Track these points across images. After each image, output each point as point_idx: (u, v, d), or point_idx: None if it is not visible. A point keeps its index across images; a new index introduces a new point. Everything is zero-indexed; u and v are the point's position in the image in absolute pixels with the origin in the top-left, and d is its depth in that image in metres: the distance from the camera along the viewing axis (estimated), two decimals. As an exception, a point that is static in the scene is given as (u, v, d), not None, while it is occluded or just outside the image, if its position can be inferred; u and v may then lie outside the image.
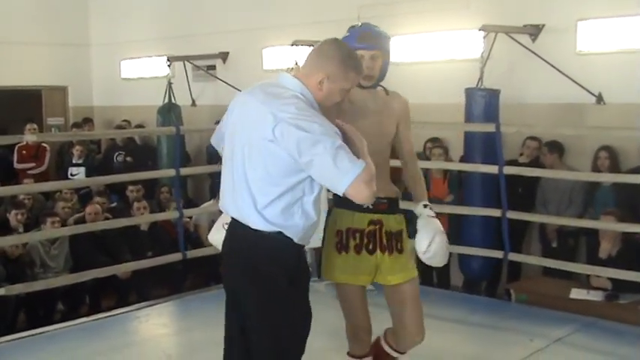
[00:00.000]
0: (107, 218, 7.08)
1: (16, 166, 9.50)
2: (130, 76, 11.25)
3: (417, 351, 4.78)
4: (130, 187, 8.04)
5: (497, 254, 5.98)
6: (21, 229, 6.85)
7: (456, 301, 6.00)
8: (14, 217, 6.95)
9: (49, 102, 11.66)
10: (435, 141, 7.28)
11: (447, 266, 6.59)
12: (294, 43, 7.67)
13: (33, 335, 5.09)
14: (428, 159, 7.22)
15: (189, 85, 9.91)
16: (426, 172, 6.85)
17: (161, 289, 7.01)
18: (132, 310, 5.67)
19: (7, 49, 10.72)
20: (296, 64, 7.75)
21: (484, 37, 6.50)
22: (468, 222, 6.38)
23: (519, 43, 6.75)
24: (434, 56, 7.67)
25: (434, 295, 6.14)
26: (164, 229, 7.44)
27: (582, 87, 6.47)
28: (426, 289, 6.57)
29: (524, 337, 4.90)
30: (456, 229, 6.53)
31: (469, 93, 6.37)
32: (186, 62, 9.79)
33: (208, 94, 9.77)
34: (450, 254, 6.21)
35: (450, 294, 6.18)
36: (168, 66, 9.67)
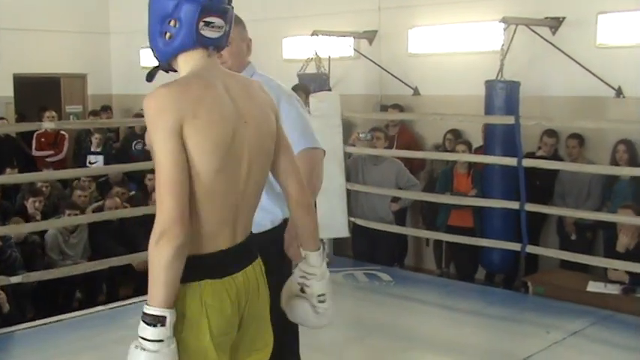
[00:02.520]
0: (125, 207, 7.10)
1: (35, 153, 9.55)
2: (149, 64, 11.25)
3: (434, 342, 4.81)
4: (149, 176, 8.04)
5: (515, 247, 5.96)
6: (38, 217, 6.89)
7: (474, 293, 6.00)
8: (32, 204, 6.98)
9: (68, 90, 11.71)
10: (455, 132, 7.26)
11: (472, 258, 6.60)
12: (314, 33, 7.65)
13: (51, 323, 5.13)
14: (447, 150, 7.20)
15: (207, 74, 9.91)
16: (450, 167, 6.85)
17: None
18: (149, 299, 5.69)
19: (28, 36, 10.78)
20: (316, 54, 7.73)
21: (504, 29, 6.45)
22: (488, 214, 6.36)
23: (540, 35, 6.70)
24: (454, 48, 7.62)
25: (451, 286, 6.15)
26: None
27: (602, 80, 6.42)
28: (444, 281, 6.62)
29: (541, 330, 4.91)
30: (477, 222, 6.53)
31: (489, 85, 6.33)
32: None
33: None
34: (472, 247, 6.29)
35: (467, 286, 6.17)
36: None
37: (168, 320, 1.93)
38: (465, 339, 4.87)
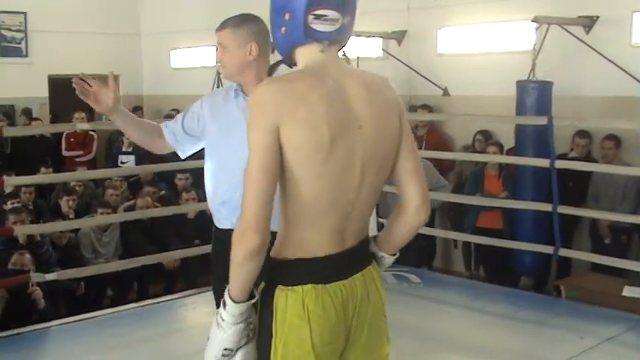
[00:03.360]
0: (156, 207, 7.16)
1: (65, 153, 9.65)
2: (180, 65, 11.35)
3: (463, 345, 4.77)
4: (179, 176, 8.11)
5: (547, 250, 5.90)
6: (72, 215, 6.98)
7: (504, 296, 5.94)
8: (65, 203, 7.10)
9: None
10: (485, 133, 7.21)
11: (502, 261, 6.54)
12: (344, 34, 7.64)
13: (83, 320, 5.18)
14: (476, 151, 7.15)
15: (237, 75, 9.96)
16: (481, 168, 6.80)
17: (207, 277, 7.07)
18: (179, 298, 5.74)
19: (62, 38, 10.93)
20: (344, 54, 7.71)
21: (536, 29, 6.40)
22: (518, 217, 6.31)
23: (573, 34, 6.63)
24: (484, 48, 7.57)
25: (481, 289, 6.10)
26: (210, 217, 7.49)
27: (637, 80, 6.33)
28: (473, 283, 6.57)
29: (574, 335, 4.82)
30: (508, 224, 6.47)
31: (521, 85, 6.28)
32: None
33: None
34: (503, 249, 6.23)
35: (497, 289, 6.11)
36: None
37: (237, 311, 1.91)
38: (494, 343, 4.82)
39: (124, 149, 9.45)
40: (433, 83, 7.83)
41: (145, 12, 12.02)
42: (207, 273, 7.00)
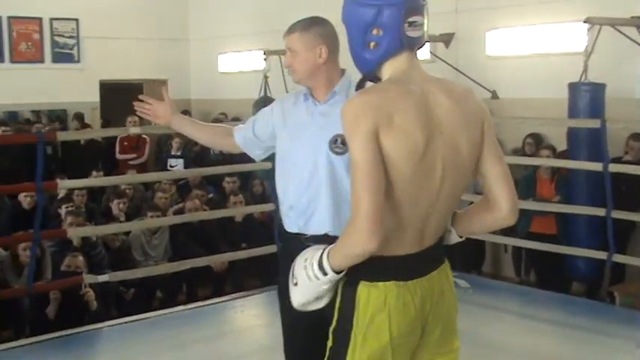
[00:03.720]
0: (204, 210, 7.23)
1: (118, 156, 9.82)
2: (227, 69, 11.44)
3: (514, 351, 4.71)
4: (227, 179, 8.17)
5: (601, 255, 5.79)
6: (122, 218, 7.08)
7: (555, 302, 5.84)
8: (116, 206, 7.20)
9: (149, 95, 11.75)
10: (535, 137, 7.11)
11: (555, 266, 6.44)
12: (391, 37, 7.62)
13: (134, 321, 5.25)
14: (526, 154, 7.06)
15: (284, 79, 9.98)
16: (533, 172, 6.71)
17: (254, 280, 7.12)
18: (227, 300, 5.78)
19: (112, 44, 11.13)
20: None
21: (588, 30, 6.29)
22: (572, 221, 6.20)
23: (626, 35, 6.50)
24: (534, 50, 7.47)
25: (532, 295, 6.02)
26: (257, 221, 7.55)
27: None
28: (524, 289, 6.47)
29: (629, 344, 4.71)
30: (561, 229, 6.37)
31: (573, 87, 6.18)
32: (282, 56, 9.86)
33: (303, 88, 9.82)
34: (555, 254, 6.13)
35: (548, 294, 6.01)
36: (265, 60, 9.77)
37: (328, 278, 2.03)
38: (546, 350, 4.73)
39: (173, 153, 9.58)
40: (482, 86, 7.75)
41: (194, 17, 12.17)
42: (254, 276, 7.13)
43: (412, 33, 2.05)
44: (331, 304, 2.14)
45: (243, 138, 3.02)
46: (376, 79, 2.16)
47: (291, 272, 2.13)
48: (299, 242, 2.65)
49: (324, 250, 2.04)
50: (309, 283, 2.06)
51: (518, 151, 7.33)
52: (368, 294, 2.04)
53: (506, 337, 5.01)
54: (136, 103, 3.14)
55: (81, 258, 5.67)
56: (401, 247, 2.06)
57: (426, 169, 2.01)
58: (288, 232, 2.87)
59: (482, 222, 2.25)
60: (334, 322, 2.13)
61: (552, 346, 4.81)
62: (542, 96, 7.08)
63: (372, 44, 2.07)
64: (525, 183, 6.73)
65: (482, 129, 2.13)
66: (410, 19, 2.03)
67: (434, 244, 2.14)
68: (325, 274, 2.02)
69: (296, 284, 2.10)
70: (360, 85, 2.27)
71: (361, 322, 2.05)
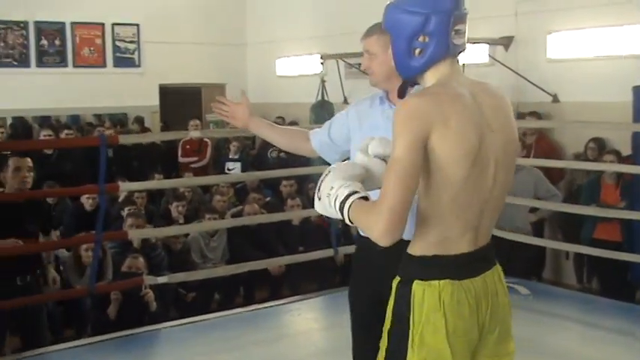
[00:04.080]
0: (262, 213, 7.27)
1: (181, 160, 9.97)
2: (285, 73, 11.51)
3: (572, 359, 4.61)
4: (284, 183, 8.22)
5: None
6: (181, 221, 7.17)
7: (619, 310, 5.68)
8: (175, 208, 7.29)
9: (208, 99, 12.12)
10: (598, 141, 6.96)
11: (619, 274, 6.29)
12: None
13: (192, 323, 5.30)
14: (588, 159, 6.92)
15: (341, 83, 10.02)
16: (597, 177, 6.58)
17: (312, 283, 7.13)
18: (285, 304, 5.80)
19: (171, 49, 11.31)
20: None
21: (653, 32, 6.15)
22: (638, 228, 6.05)
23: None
24: (596, 52, 7.32)
25: (594, 303, 5.88)
26: (314, 224, 7.56)
27: None
28: (586, 297, 6.34)
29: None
30: (626, 236, 6.23)
31: (637, 91, 6.04)
32: (339, 60, 9.90)
33: (360, 92, 9.80)
34: (620, 262, 5.98)
35: (612, 303, 5.86)
36: (322, 64, 9.81)
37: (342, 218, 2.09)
38: (609, 359, 4.64)
39: (230, 156, 9.67)
40: (542, 89, 7.64)
41: (252, 22, 12.28)
42: (311, 279, 7.14)
43: (457, 40, 2.12)
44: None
45: (320, 142, 3.03)
46: (416, 84, 2.24)
47: (318, 185, 2.17)
48: (375, 246, 2.66)
49: (349, 195, 2.06)
50: (327, 209, 2.14)
51: (581, 156, 7.19)
52: (423, 292, 2.08)
53: (566, 345, 4.91)
54: (213, 104, 3.21)
55: (141, 259, 5.76)
56: (455, 247, 2.10)
57: (480, 169, 2.07)
58: (362, 237, 2.86)
59: None
60: (388, 323, 2.16)
61: (615, 355, 4.69)
62: (605, 99, 6.93)
63: (417, 51, 2.12)
64: (589, 189, 6.59)
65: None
66: (456, 28, 2.09)
67: (487, 244, 2.19)
68: (342, 215, 2.07)
69: (319, 199, 2.16)
70: (401, 90, 2.35)
71: (417, 321, 2.08)
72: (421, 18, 2.08)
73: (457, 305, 2.08)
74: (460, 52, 2.17)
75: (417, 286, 2.09)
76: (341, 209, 2.07)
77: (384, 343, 2.18)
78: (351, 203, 2.05)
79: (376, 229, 1.98)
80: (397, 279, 2.16)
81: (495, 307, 2.16)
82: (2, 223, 4.64)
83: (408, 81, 2.26)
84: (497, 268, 2.23)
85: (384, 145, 2.22)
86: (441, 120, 2.00)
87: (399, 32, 2.13)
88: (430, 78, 2.16)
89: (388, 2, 2.20)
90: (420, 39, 2.10)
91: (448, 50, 2.11)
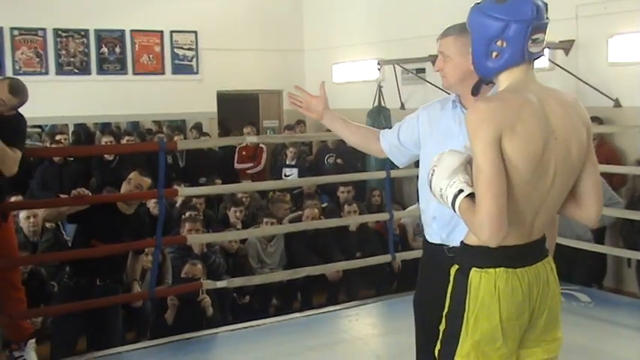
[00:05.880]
0: (320, 219, 7.30)
1: (236, 166, 10.08)
2: (342, 79, 11.53)
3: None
4: (341, 189, 8.24)
5: None
6: (239, 226, 7.25)
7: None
8: (233, 214, 7.38)
9: (265, 105, 12.27)
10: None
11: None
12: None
13: (249, 327, 5.36)
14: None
15: (398, 88, 9.99)
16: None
17: (369, 289, 7.13)
18: (342, 309, 5.81)
19: (229, 55, 11.43)
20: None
21: None
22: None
23: None
24: (658, 56, 7.16)
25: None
26: (372, 230, 7.57)
27: None
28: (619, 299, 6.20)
29: None
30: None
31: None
32: (396, 65, 9.88)
33: (417, 97, 9.80)
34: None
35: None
36: (379, 69, 9.81)
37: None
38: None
39: (287, 162, 9.73)
40: (603, 94, 7.50)
41: (308, 28, 12.33)
42: (369, 285, 7.14)
43: (534, 49, 2.23)
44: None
45: (389, 145, 3.04)
46: (491, 82, 2.39)
47: (435, 165, 2.30)
48: (443, 253, 2.66)
49: (456, 197, 2.21)
50: (438, 198, 2.31)
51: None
52: (479, 279, 2.25)
53: (626, 354, 4.83)
54: (289, 94, 3.26)
55: (200, 266, 5.83)
56: (511, 238, 2.23)
57: (541, 171, 2.20)
58: (430, 243, 2.86)
59: (569, 213, 2.43)
60: (447, 308, 2.33)
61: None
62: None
63: (494, 54, 2.24)
64: (649, 195, 6.46)
65: (588, 136, 2.33)
66: (534, 37, 2.20)
67: (540, 238, 2.34)
68: (452, 204, 2.23)
69: (431, 181, 2.31)
70: (475, 88, 2.49)
71: (472, 305, 2.25)
72: (502, 24, 2.19)
73: (511, 291, 2.23)
74: (536, 58, 2.27)
75: (475, 273, 2.26)
76: (453, 202, 2.22)
77: (442, 327, 2.34)
78: (459, 205, 2.20)
79: (481, 235, 2.15)
80: (455, 267, 2.33)
81: (545, 294, 2.30)
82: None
83: (483, 80, 2.38)
84: (550, 260, 2.38)
85: None
86: (509, 124, 2.13)
87: (479, 34, 2.25)
88: (504, 80, 2.28)
89: (474, 3, 2.29)
90: (499, 43, 2.21)
91: (523, 57, 2.22)
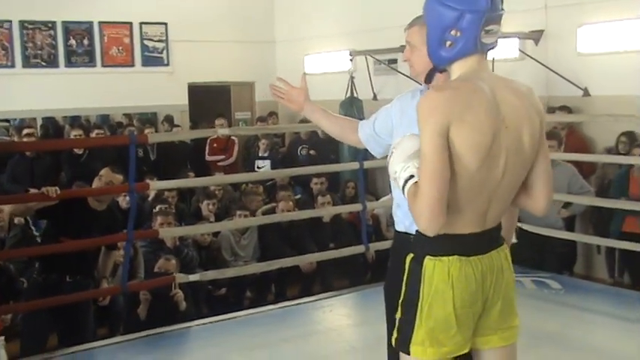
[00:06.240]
0: (293, 211, 7.29)
1: (208, 158, 10.02)
2: (314, 71, 11.52)
3: (608, 354, 4.58)
4: (315, 180, 8.23)
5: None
6: (212, 219, 7.22)
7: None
8: (206, 206, 7.34)
9: (237, 97, 12.22)
10: (630, 135, 6.88)
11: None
12: (478, 35, 7.51)
13: (223, 320, 5.34)
14: (620, 153, 6.85)
15: (370, 79, 10.00)
16: (626, 171, 6.51)
17: (343, 280, 7.14)
18: (316, 300, 5.82)
19: (200, 47, 11.35)
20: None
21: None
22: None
23: None
24: (628, 46, 7.21)
25: (626, 296, 5.83)
26: (346, 221, 7.58)
27: None
28: (618, 290, 6.26)
29: None
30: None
31: (669, 83, 5.96)
32: (368, 56, 9.88)
33: (389, 88, 9.81)
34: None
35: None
36: (351, 60, 9.80)
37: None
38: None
39: (260, 154, 9.71)
40: (573, 83, 7.56)
41: (280, 19, 12.29)
42: (343, 276, 7.16)
43: (487, 40, 2.24)
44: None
45: (366, 135, 3.05)
46: (444, 71, 2.39)
47: (394, 148, 2.33)
48: (408, 241, 2.67)
49: (411, 178, 2.22)
50: (393, 181, 2.36)
51: (612, 150, 7.12)
52: (433, 267, 2.26)
53: (599, 340, 4.89)
54: (271, 85, 3.27)
55: (173, 262, 5.79)
56: (464, 227, 2.27)
57: (491, 161, 2.21)
58: (397, 232, 2.90)
59: (520, 203, 2.44)
60: (402, 295, 2.34)
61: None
62: (636, 93, 6.84)
63: (448, 43, 2.25)
64: (618, 182, 6.54)
65: (541, 126, 2.33)
66: (487, 28, 2.21)
67: (495, 227, 2.35)
68: (402, 189, 2.25)
69: (388, 164, 2.35)
70: (429, 76, 2.54)
71: (427, 293, 2.26)
72: (456, 13, 2.20)
73: (465, 279, 2.26)
74: (489, 49, 2.28)
75: (428, 261, 2.28)
76: (403, 186, 2.24)
77: (398, 315, 2.36)
78: (408, 190, 2.22)
79: (419, 223, 2.18)
80: (410, 255, 2.35)
81: (499, 283, 2.33)
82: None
83: (436, 68, 2.39)
84: (504, 248, 2.40)
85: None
86: (458, 114, 2.13)
87: (434, 23, 2.27)
88: (457, 70, 2.29)
89: None
90: (452, 32, 2.22)
91: (476, 47, 2.23)
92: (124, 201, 6.63)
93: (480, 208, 2.27)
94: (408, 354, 2.31)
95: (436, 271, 2.26)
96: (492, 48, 2.28)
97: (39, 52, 10.49)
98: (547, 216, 6.30)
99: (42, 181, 5.79)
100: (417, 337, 2.28)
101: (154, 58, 11.37)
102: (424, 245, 2.30)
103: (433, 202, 2.12)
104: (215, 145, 10.01)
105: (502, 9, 2.25)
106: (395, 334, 2.36)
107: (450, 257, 2.26)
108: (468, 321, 2.29)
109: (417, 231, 2.32)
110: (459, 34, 2.21)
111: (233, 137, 9.94)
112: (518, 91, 2.30)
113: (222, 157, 9.95)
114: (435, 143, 2.12)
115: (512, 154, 2.24)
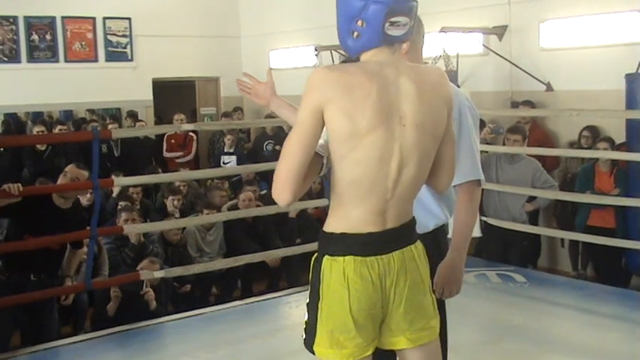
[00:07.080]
0: (258, 206, 7.27)
1: (166, 154, 9.85)
2: (279, 66, 11.48)
3: (572, 346, 4.64)
4: (280, 175, 8.20)
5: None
6: (177, 215, 7.17)
7: (614, 296, 5.68)
8: (171, 202, 7.29)
9: (202, 92, 12.14)
10: (592, 129, 6.97)
11: (613, 260, 6.32)
12: (443, 30, 7.55)
13: (190, 317, 5.32)
14: (582, 147, 6.94)
15: (335, 75, 9.98)
16: (592, 165, 6.60)
17: (309, 275, 7.13)
18: (282, 296, 5.81)
19: (165, 42, 11.26)
20: (444, 51, 7.63)
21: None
22: (632, 215, 6.07)
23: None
24: (589, 41, 7.30)
25: (589, 289, 5.92)
26: (312, 216, 7.57)
27: None
28: (581, 283, 6.35)
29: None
30: (620, 223, 6.25)
31: (630, 78, 6.05)
32: (333, 51, 9.87)
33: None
34: (614, 248, 6.00)
35: (607, 289, 5.88)
36: (316, 55, 9.78)
37: None
38: (606, 344, 4.65)
39: (225, 150, 9.64)
40: (536, 78, 7.64)
41: (245, 14, 12.23)
42: (309, 271, 7.13)
43: (393, 32, 2.18)
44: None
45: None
46: (358, 60, 2.30)
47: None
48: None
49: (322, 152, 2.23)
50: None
51: (575, 144, 7.21)
52: (330, 267, 2.21)
53: (563, 332, 4.96)
54: (238, 80, 3.27)
55: (157, 265, 5.75)
56: (361, 226, 2.21)
57: (378, 156, 2.15)
58: None
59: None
60: (308, 297, 2.32)
61: (611, 341, 4.72)
62: (599, 87, 6.93)
63: (355, 33, 2.21)
64: (584, 176, 6.62)
65: (449, 115, 2.30)
66: (392, 19, 2.16)
67: (397, 227, 2.26)
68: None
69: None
70: (344, 63, 2.43)
71: (325, 294, 2.22)
72: (361, 3, 2.16)
73: (360, 280, 2.19)
74: (399, 42, 2.22)
75: (326, 261, 2.23)
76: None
77: (305, 318, 2.33)
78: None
79: (273, 189, 2.17)
80: (315, 255, 2.30)
81: (401, 284, 2.24)
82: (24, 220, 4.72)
83: (350, 57, 2.34)
84: (413, 248, 2.31)
85: None
86: (337, 95, 2.10)
87: (343, 11, 2.24)
88: (365, 60, 2.25)
89: None
90: (359, 23, 2.18)
91: (380, 39, 2.18)
92: (84, 198, 6.54)
93: (374, 206, 2.21)
94: (314, 354, 2.29)
95: (333, 271, 2.21)
96: (402, 41, 2.22)
97: (0, 47, 10.32)
98: (512, 209, 6.45)
99: (3, 178, 5.68)
100: (320, 338, 2.25)
101: (117, 53, 11.25)
102: (324, 245, 2.26)
103: (285, 174, 2.12)
104: (173, 141, 9.83)
105: (413, 1, 2.21)
106: (303, 335, 2.33)
107: (346, 257, 2.20)
108: (367, 323, 2.22)
109: (321, 230, 2.28)
110: (364, 25, 2.17)
111: (191, 134, 9.84)
112: (426, 82, 2.24)
113: (181, 153, 9.81)
114: (303, 119, 2.12)
115: (409, 153, 2.18)
